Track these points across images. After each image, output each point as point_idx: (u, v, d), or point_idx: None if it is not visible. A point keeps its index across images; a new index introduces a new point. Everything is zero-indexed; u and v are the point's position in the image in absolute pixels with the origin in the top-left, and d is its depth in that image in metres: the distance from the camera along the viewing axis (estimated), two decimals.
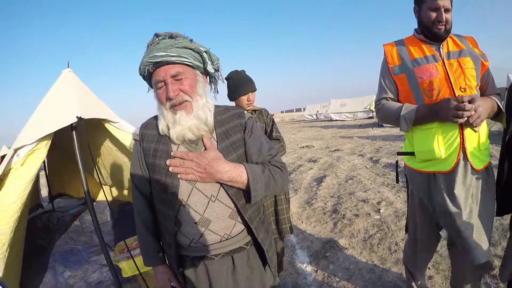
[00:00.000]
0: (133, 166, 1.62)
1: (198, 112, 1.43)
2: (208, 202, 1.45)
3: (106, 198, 3.10)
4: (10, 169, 2.64)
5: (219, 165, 1.38)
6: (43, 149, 2.74)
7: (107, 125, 3.19)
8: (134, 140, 1.62)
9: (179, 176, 1.43)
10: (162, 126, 1.46)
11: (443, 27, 2.04)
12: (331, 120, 30.32)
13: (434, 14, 2.03)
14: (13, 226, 2.63)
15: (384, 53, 2.30)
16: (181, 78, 1.41)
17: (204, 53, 1.48)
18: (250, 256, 1.59)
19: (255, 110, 2.95)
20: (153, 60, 1.39)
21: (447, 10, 2.04)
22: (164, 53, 1.38)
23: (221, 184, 1.45)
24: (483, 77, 2.13)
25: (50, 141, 2.81)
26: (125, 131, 3.24)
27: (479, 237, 2.03)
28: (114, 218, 5.22)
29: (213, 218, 1.45)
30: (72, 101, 2.94)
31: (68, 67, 3.27)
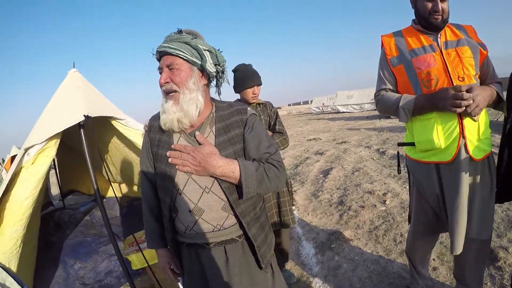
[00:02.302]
0: (142, 155, 1.72)
1: (183, 105, 1.49)
2: (202, 193, 1.52)
3: (115, 195, 3.15)
4: (21, 168, 2.70)
5: (212, 159, 1.46)
6: (53, 147, 2.80)
7: (114, 123, 3.24)
8: (144, 130, 1.72)
9: (176, 167, 1.52)
10: (160, 112, 1.57)
11: (440, 16, 2.04)
12: (338, 112, 30.14)
13: (430, 4, 2.04)
14: (25, 223, 2.70)
15: (382, 44, 2.31)
16: (174, 69, 1.50)
17: (206, 52, 1.54)
18: (245, 249, 1.64)
19: (259, 104, 2.99)
20: (158, 50, 1.53)
21: (443, 0, 2.04)
22: (166, 45, 1.50)
23: (215, 178, 1.51)
24: (482, 65, 2.13)
25: (59, 139, 2.87)
26: (131, 128, 3.29)
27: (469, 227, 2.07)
28: (123, 213, 5.30)
29: (206, 208, 1.53)
30: (79, 100, 2.99)
31: (74, 67, 3.32)
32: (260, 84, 2.89)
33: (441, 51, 2.07)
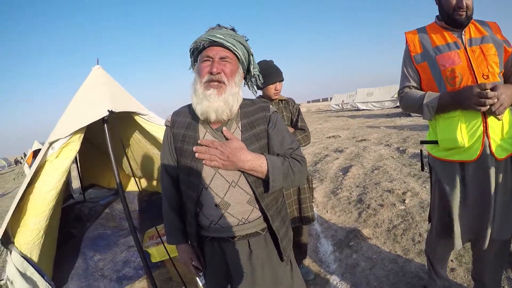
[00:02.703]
0: (163, 150, 1.74)
1: (228, 97, 1.53)
2: (229, 187, 1.55)
3: (139, 188, 3.22)
4: (45, 161, 2.78)
5: (241, 154, 1.49)
6: (77, 141, 2.87)
7: (136, 118, 3.29)
8: (166, 126, 1.74)
9: (203, 162, 1.54)
10: (193, 103, 1.58)
11: (464, 13, 2.01)
12: (358, 109, 29.91)
13: (454, 0, 2.01)
14: (48, 215, 2.78)
15: (406, 41, 2.29)
16: (227, 62, 1.56)
17: (251, 56, 1.69)
18: (268, 242, 1.68)
19: (281, 100, 3.00)
20: (212, 39, 1.55)
21: None
22: (223, 37, 1.55)
23: (242, 172, 1.54)
24: (507, 63, 2.08)
25: (83, 134, 2.93)
26: (154, 123, 3.35)
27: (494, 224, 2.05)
28: (142, 207, 5.39)
29: (232, 202, 1.56)
30: (103, 96, 3.05)
31: (97, 63, 3.38)
32: (282, 80, 2.90)
33: (465, 49, 2.04)
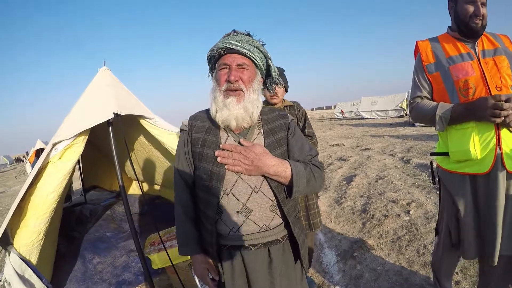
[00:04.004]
0: (178, 155, 1.71)
1: (247, 104, 1.52)
2: (251, 193, 1.52)
3: (142, 192, 3.17)
4: (48, 162, 2.75)
5: (266, 159, 1.48)
6: (81, 143, 2.84)
7: (142, 121, 3.26)
8: (181, 130, 1.71)
9: (226, 167, 1.51)
10: (212, 110, 1.57)
11: (480, 21, 2.01)
12: (362, 118, 29.95)
13: (471, 8, 2.01)
14: (49, 217, 2.75)
15: (419, 50, 2.28)
16: (244, 69, 1.56)
17: (270, 60, 1.68)
18: (285, 250, 1.65)
19: (287, 106, 2.95)
20: (228, 46, 1.55)
21: (483, 4, 2.02)
22: (239, 44, 1.54)
23: (265, 177, 1.53)
24: None
25: (87, 136, 2.90)
26: (159, 127, 3.31)
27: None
28: (144, 210, 5.36)
29: (255, 208, 1.53)
30: (109, 98, 3.03)
31: (104, 65, 3.35)
32: (283, 86, 2.86)
33: (478, 60, 2.03)
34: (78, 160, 5.72)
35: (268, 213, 1.55)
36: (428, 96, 2.27)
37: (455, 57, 2.09)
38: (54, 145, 2.75)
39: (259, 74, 1.65)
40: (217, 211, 1.55)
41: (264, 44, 1.66)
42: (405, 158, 8.52)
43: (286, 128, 1.68)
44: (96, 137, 3.84)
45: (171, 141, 3.35)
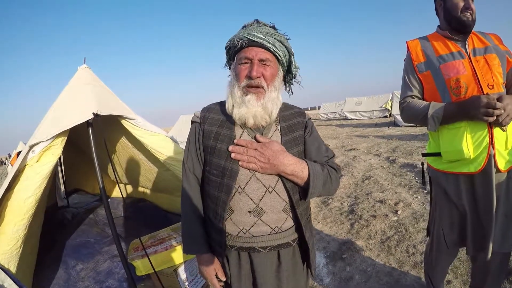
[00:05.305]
0: (188, 149, 1.63)
1: (267, 102, 1.46)
2: (265, 192, 1.45)
3: (122, 195, 3.08)
4: (25, 165, 2.63)
5: (284, 157, 1.42)
6: (59, 145, 2.72)
7: (123, 122, 3.15)
8: (193, 122, 1.63)
9: (240, 164, 1.44)
10: (228, 104, 1.50)
11: (471, 15, 2.02)
12: (346, 118, 30.18)
13: (461, 2, 2.02)
14: (27, 223, 2.62)
15: (409, 49, 2.26)
16: (267, 65, 1.47)
17: (292, 56, 1.59)
18: (295, 254, 1.60)
19: None
20: (251, 38, 1.45)
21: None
22: (263, 37, 1.45)
23: (280, 177, 1.45)
24: (509, 74, 2.08)
25: (66, 137, 2.79)
26: (142, 128, 3.21)
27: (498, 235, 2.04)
28: (127, 214, 5.24)
29: (267, 208, 1.46)
30: (89, 98, 2.91)
31: (84, 63, 3.25)
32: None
33: (469, 58, 2.02)
34: (60, 163, 5.58)
35: (281, 215, 1.48)
36: (419, 95, 2.25)
37: (446, 56, 2.08)
38: (31, 147, 2.62)
39: (281, 71, 1.57)
40: (227, 209, 1.47)
41: (289, 39, 1.57)
42: (390, 158, 8.57)
43: (303, 126, 1.61)
44: (78, 138, 3.72)
45: (154, 142, 3.26)
